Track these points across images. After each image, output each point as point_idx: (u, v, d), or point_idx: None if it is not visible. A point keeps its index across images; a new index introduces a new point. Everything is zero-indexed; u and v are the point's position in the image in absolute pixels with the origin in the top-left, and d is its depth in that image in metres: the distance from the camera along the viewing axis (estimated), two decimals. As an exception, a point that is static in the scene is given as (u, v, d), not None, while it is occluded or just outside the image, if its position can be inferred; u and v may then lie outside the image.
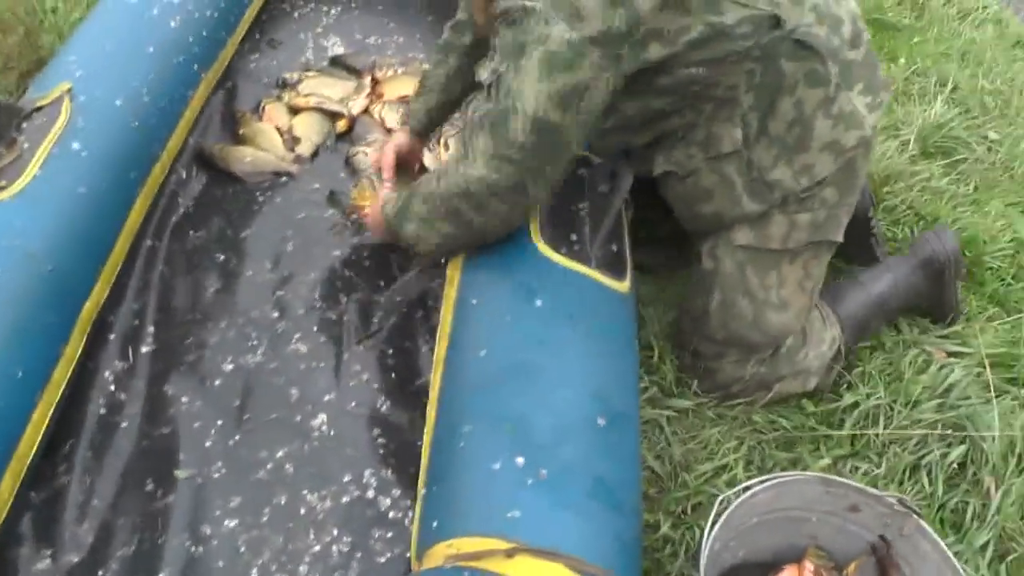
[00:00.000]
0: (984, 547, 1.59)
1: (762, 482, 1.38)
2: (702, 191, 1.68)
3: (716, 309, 1.75)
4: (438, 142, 2.12)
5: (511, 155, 1.44)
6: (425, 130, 1.98)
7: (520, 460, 1.31)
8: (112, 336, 1.76)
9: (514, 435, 1.34)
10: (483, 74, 1.48)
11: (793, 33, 1.52)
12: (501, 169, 1.46)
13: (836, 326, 1.85)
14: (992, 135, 2.73)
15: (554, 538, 1.24)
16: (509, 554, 1.22)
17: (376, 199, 1.82)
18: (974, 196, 2.45)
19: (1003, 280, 2.18)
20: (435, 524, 1.34)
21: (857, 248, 2.00)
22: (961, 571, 1.33)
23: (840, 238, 1.73)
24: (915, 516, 1.38)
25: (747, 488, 1.36)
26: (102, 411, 1.67)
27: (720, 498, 1.34)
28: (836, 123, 1.60)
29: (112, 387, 1.70)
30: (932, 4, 3.34)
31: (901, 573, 1.41)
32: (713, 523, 1.31)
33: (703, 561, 1.26)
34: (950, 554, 1.33)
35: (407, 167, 1.97)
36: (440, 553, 1.29)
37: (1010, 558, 1.59)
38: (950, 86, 2.87)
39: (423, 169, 2.02)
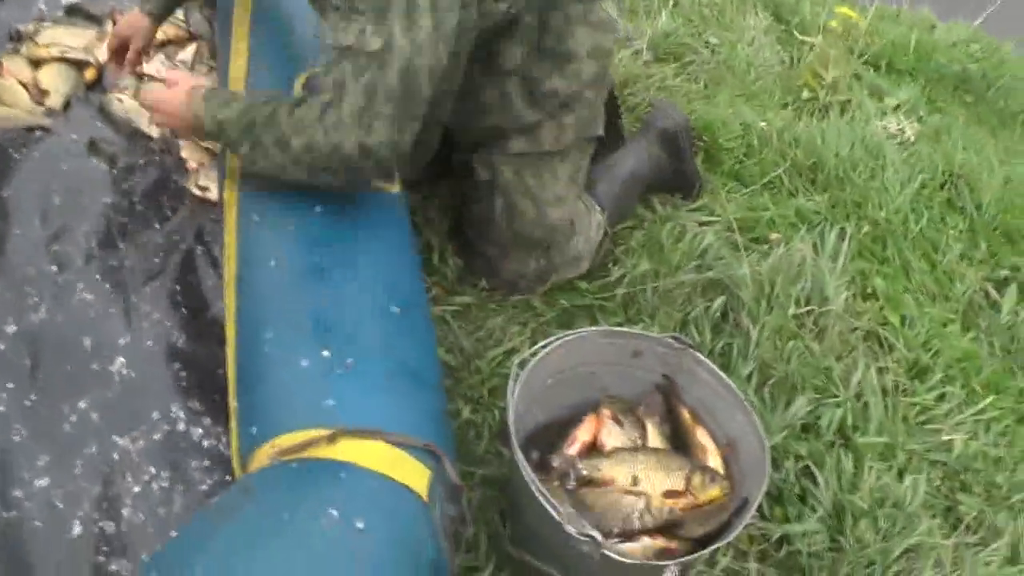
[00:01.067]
0: (749, 377, 1.81)
1: (550, 343, 1.50)
2: (482, 106, 1.78)
3: (500, 214, 1.85)
4: None
5: (384, 111, 1.41)
6: (160, 11, 1.96)
7: (326, 353, 1.37)
8: None
9: (316, 332, 1.40)
10: (339, 36, 1.42)
11: None
12: (375, 128, 1.41)
13: (598, 210, 2.00)
14: (713, 40, 3.00)
15: (370, 419, 1.32)
16: (331, 439, 1.28)
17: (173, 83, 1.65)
18: (705, 92, 2.70)
19: (737, 159, 2.43)
20: (254, 430, 1.38)
21: (607, 129, 2.17)
22: (735, 389, 1.51)
23: (601, 132, 1.88)
24: (691, 350, 1.55)
25: (536, 352, 1.48)
26: None
27: (515, 364, 1.45)
28: (595, 29, 1.73)
29: None
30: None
31: (685, 402, 1.58)
32: (513, 385, 1.42)
33: (511, 418, 1.37)
34: (724, 377, 1.52)
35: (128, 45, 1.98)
36: (264, 454, 1.33)
37: (771, 382, 1.81)
38: (671, 2, 3.11)
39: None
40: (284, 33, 1.89)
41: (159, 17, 1.98)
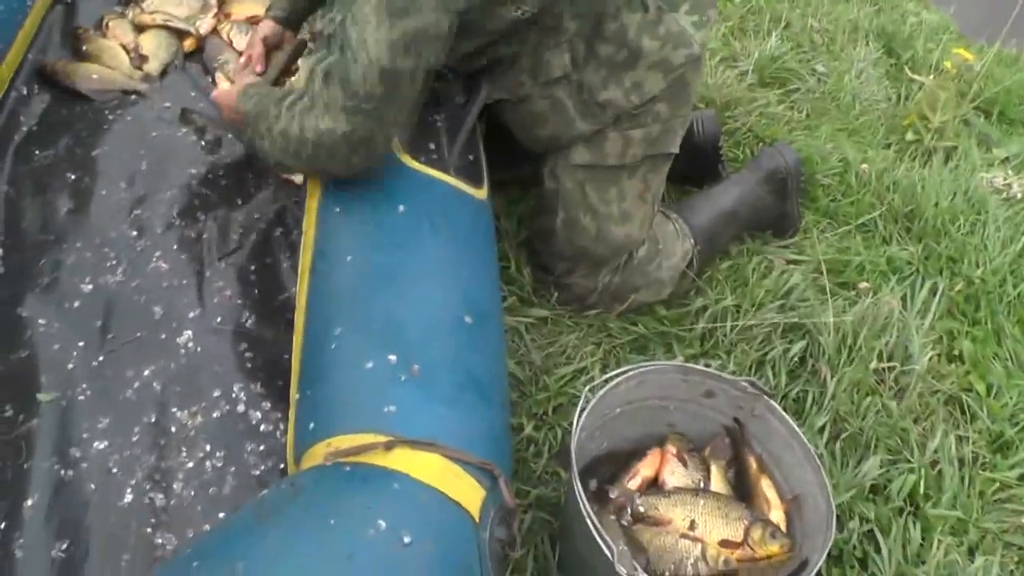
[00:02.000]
0: (822, 429, 1.74)
1: (623, 373, 1.46)
2: (536, 116, 1.74)
3: (561, 227, 1.81)
4: None
5: (360, 105, 1.40)
6: (289, 17, 1.87)
7: (392, 358, 1.34)
8: (-47, 259, 1.69)
9: (385, 334, 1.37)
10: (319, 24, 1.47)
11: None
12: (351, 120, 1.42)
13: (689, 239, 1.95)
14: (820, 68, 2.93)
15: (430, 430, 1.28)
16: (387, 447, 1.26)
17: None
18: (806, 122, 2.63)
19: (832, 197, 2.35)
20: (312, 426, 1.36)
21: (708, 174, 2.12)
22: (806, 441, 1.45)
23: (676, 149, 1.81)
24: (764, 397, 1.49)
25: (609, 379, 1.44)
26: (-55, 339, 1.59)
27: (585, 390, 1.41)
28: (664, 43, 1.67)
29: (-42, 311, 1.63)
30: (761, -54, 3.51)
31: (753, 448, 1.53)
32: (580, 412, 1.38)
33: (574, 445, 1.33)
34: (796, 427, 1.46)
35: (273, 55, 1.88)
36: (319, 453, 1.31)
37: (843, 436, 1.74)
38: (782, 23, 3.04)
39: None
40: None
41: (290, 23, 1.88)
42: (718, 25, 2.94)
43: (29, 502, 1.42)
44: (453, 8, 1.41)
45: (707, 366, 1.82)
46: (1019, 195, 2.58)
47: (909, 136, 2.71)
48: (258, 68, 1.82)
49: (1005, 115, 3.21)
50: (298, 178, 1.88)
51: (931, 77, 2.92)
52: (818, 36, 3.09)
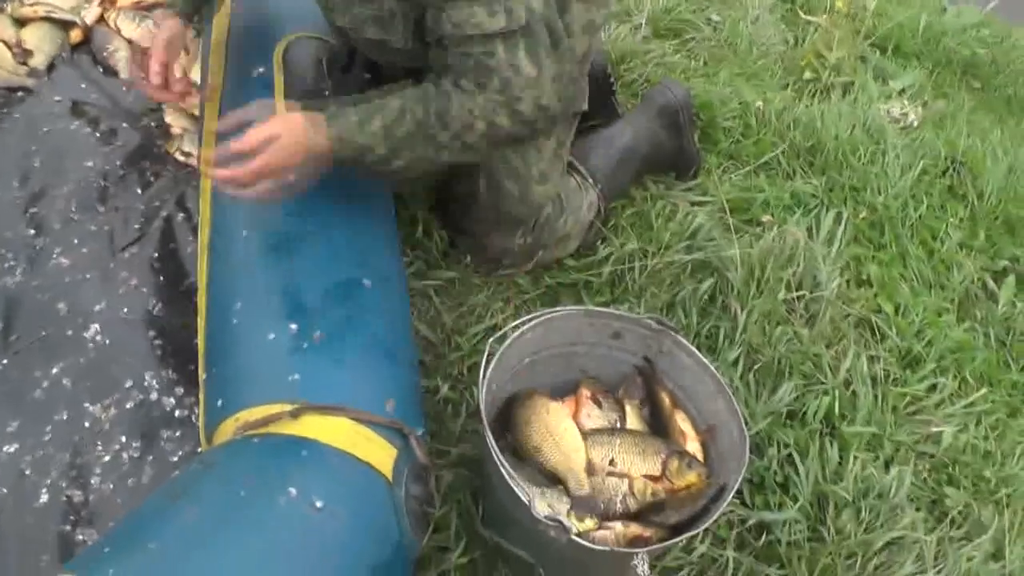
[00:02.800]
0: (736, 362, 1.77)
1: (528, 321, 1.46)
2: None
3: (484, 194, 1.81)
4: None
5: (551, 66, 1.46)
6: (191, 8, 1.75)
7: (293, 327, 1.35)
8: None
9: (284, 304, 1.37)
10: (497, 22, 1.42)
11: None
12: (546, 86, 1.46)
13: (592, 189, 1.96)
14: (715, 17, 2.95)
15: (336, 395, 1.30)
16: (294, 415, 1.26)
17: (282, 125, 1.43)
18: (704, 69, 2.65)
19: (734, 138, 2.37)
20: (220, 403, 1.36)
21: (601, 107, 2.13)
22: (716, 374, 1.47)
23: (586, 106, 1.83)
24: (672, 333, 1.51)
25: (516, 328, 1.45)
26: None
27: (490, 341, 1.42)
28: (588, 5, 1.68)
29: None
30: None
31: (665, 385, 1.55)
32: (487, 364, 1.39)
33: (482, 396, 1.34)
34: (706, 361, 1.48)
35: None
36: (229, 428, 1.31)
37: (757, 367, 1.77)
38: (673, -24, 3.06)
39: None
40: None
41: (192, 16, 1.77)
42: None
43: (-58, 512, 1.39)
44: None
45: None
46: (915, 123, 2.65)
47: (807, 75, 2.76)
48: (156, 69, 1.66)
49: (900, 49, 3.28)
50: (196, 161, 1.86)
51: (825, 17, 2.97)
52: (710, -14, 3.11)
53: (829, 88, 2.71)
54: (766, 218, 2.08)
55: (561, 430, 1.46)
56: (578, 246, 1.94)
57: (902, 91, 2.92)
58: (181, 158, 1.91)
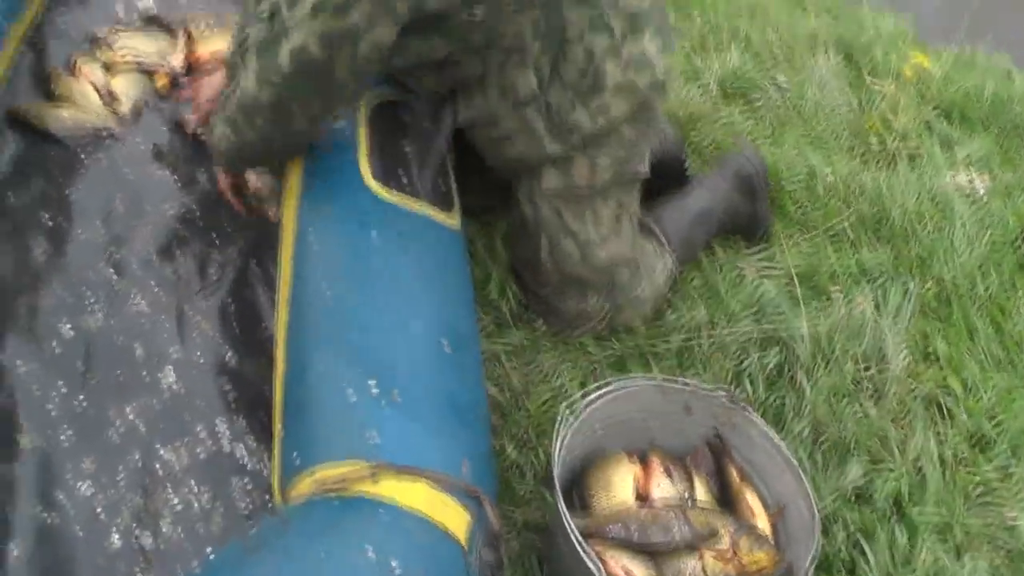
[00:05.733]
0: (803, 436, 1.76)
1: (600, 388, 1.47)
2: (504, 134, 1.76)
3: (546, 254, 1.84)
4: None
5: (273, 79, 1.51)
6: None
7: (372, 385, 1.36)
8: (-72, 307, 1.68)
9: (364, 363, 1.39)
10: (262, 5, 1.53)
11: None
12: (264, 89, 1.53)
13: (668, 254, 1.97)
14: (782, 79, 2.95)
15: (414, 456, 1.30)
16: (373, 475, 1.27)
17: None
18: (771, 133, 2.66)
19: (800, 205, 2.38)
20: (296, 458, 1.37)
21: (675, 169, 2.16)
22: (787, 452, 1.47)
23: (645, 169, 1.84)
24: (742, 408, 1.51)
25: (587, 395, 1.46)
26: (-74, 386, 1.59)
27: (563, 407, 1.43)
28: (627, 67, 1.68)
29: (-65, 360, 1.62)
30: (720, -35, 3.56)
31: (735, 460, 1.55)
32: (559, 430, 1.40)
33: (556, 462, 1.35)
34: (777, 439, 1.48)
35: None
36: (304, 484, 1.32)
37: (824, 442, 1.76)
38: (742, 38, 3.08)
39: None
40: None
41: None
42: (679, 43, 2.97)
43: (15, 552, 1.40)
44: (399, 19, 1.47)
45: (685, 380, 1.85)
46: (982, 192, 2.63)
47: (872, 142, 2.75)
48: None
49: (965, 116, 3.25)
50: (272, 211, 1.89)
51: (891, 84, 2.97)
52: (778, 49, 3.12)
53: (895, 156, 2.70)
54: (834, 290, 2.07)
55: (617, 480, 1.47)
56: (653, 309, 1.95)
57: (969, 160, 2.90)
58: (256, 206, 1.94)
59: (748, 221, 2.17)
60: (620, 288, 1.88)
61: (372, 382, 1.36)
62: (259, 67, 1.54)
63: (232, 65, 1.66)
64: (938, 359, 2.06)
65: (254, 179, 1.94)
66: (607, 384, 1.50)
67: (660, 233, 1.99)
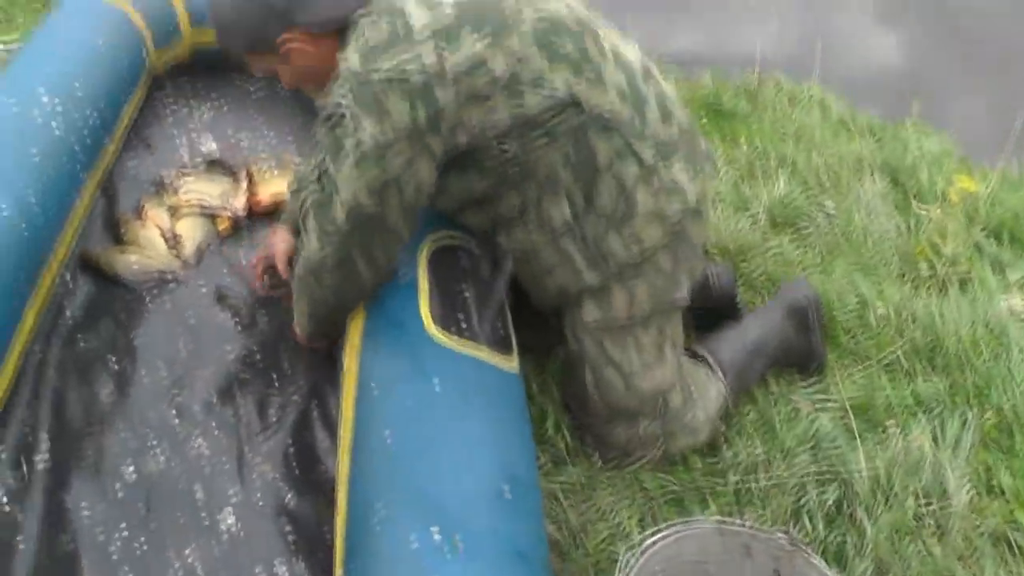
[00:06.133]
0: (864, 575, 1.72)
1: (659, 532, 1.47)
2: (545, 267, 1.79)
3: (592, 386, 1.86)
4: None
5: (332, 235, 1.63)
6: None
7: (435, 533, 1.36)
8: (2, 452, 1.72)
9: (426, 509, 1.39)
10: (310, 167, 1.67)
11: (598, 115, 1.64)
12: (326, 246, 1.64)
13: (720, 381, 1.98)
14: (829, 205, 2.99)
15: (477, 606, 1.30)
16: (435, 625, 1.27)
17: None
18: (820, 261, 2.67)
19: (852, 334, 2.37)
20: (357, 605, 1.38)
21: (727, 300, 2.18)
22: (849, 598, 1.44)
23: (684, 296, 1.85)
24: (803, 551, 1.49)
25: (645, 541, 1.45)
26: (-6, 533, 1.62)
27: (624, 550, 1.42)
28: (658, 194, 1.72)
29: (6, 505, 1.65)
30: (764, 92, 3.66)
31: (797, 607, 1.52)
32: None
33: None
34: (838, 581, 1.45)
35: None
36: (365, 630, 1.33)
37: (886, 582, 1.73)
38: (789, 164, 3.14)
39: None
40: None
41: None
42: (727, 171, 3.03)
43: None
44: (435, 159, 1.59)
45: (742, 517, 1.83)
46: (1038, 317, 2.61)
47: (923, 268, 2.75)
48: (282, 271, 2.01)
49: (1015, 237, 3.25)
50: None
51: (937, 208, 2.98)
52: (824, 174, 3.17)
53: (946, 282, 2.69)
54: (890, 424, 2.05)
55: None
56: (708, 437, 1.95)
57: (1021, 281, 2.89)
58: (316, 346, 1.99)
59: (802, 355, 2.17)
60: (672, 414, 1.88)
61: (434, 528, 1.37)
62: (318, 226, 1.65)
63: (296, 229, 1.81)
64: (1003, 492, 2.01)
65: None
66: (666, 527, 1.49)
67: (715, 364, 2.00)
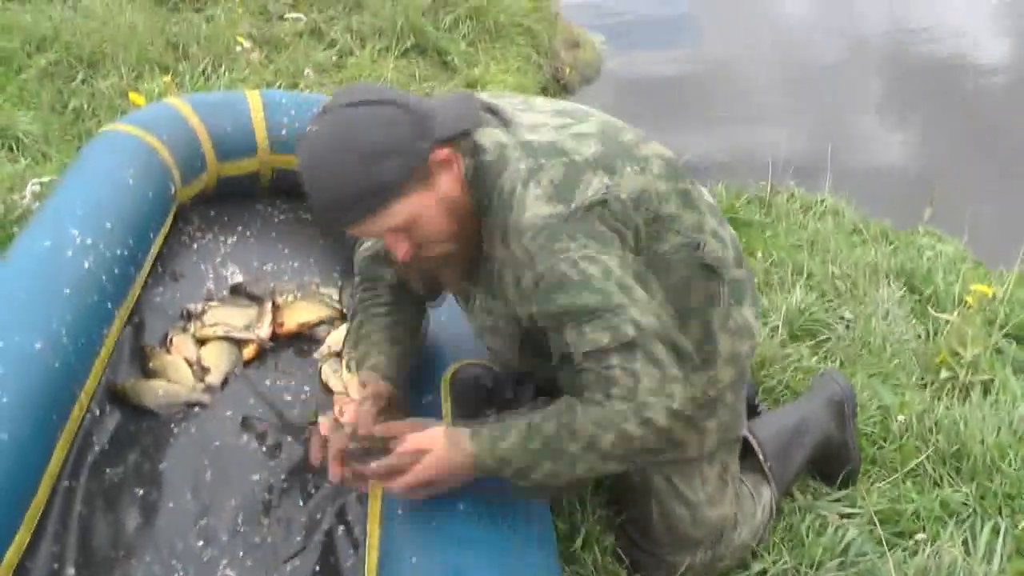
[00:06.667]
0: None
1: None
2: None
3: (658, 519, 1.86)
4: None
5: (662, 431, 1.48)
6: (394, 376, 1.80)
7: (463, 660, 1.36)
8: (31, 583, 1.74)
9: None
10: (602, 339, 1.47)
11: (704, 257, 1.67)
12: (675, 391, 1.48)
13: (765, 493, 1.98)
14: (847, 314, 3.01)
15: None
16: None
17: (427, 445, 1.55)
18: (841, 370, 2.67)
19: (876, 443, 2.37)
20: None
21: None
22: None
23: (744, 431, 1.89)
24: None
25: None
26: (25, 665, 1.62)
27: None
28: (734, 337, 1.75)
29: (34, 637, 1.66)
30: (777, 201, 3.74)
31: None
32: None
33: None
34: None
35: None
36: None
37: None
38: (805, 273, 3.17)
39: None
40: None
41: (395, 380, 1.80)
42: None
43: None
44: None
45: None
46: (1063, 421, 2.58)
47: (943, 374, 2.75)
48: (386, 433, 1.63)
49: (1036, 338, 3.26)
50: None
51: (955, 313, 3.00)
52: (840, 282, 3.20)
53: (968, 387, 2.69)
54: (920, 536, 2.02)
55: None
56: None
57: (1044, 383, 2.87)
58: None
59: (840, 450, 2.17)
60: (723, 540, 1.89)
61: (461, 657, 1.36)
62: (638, 418, 1.47)
63: None
64: (1044, 604, 1.98)
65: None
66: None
67: (757, 446, 1.99)
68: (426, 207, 1.50)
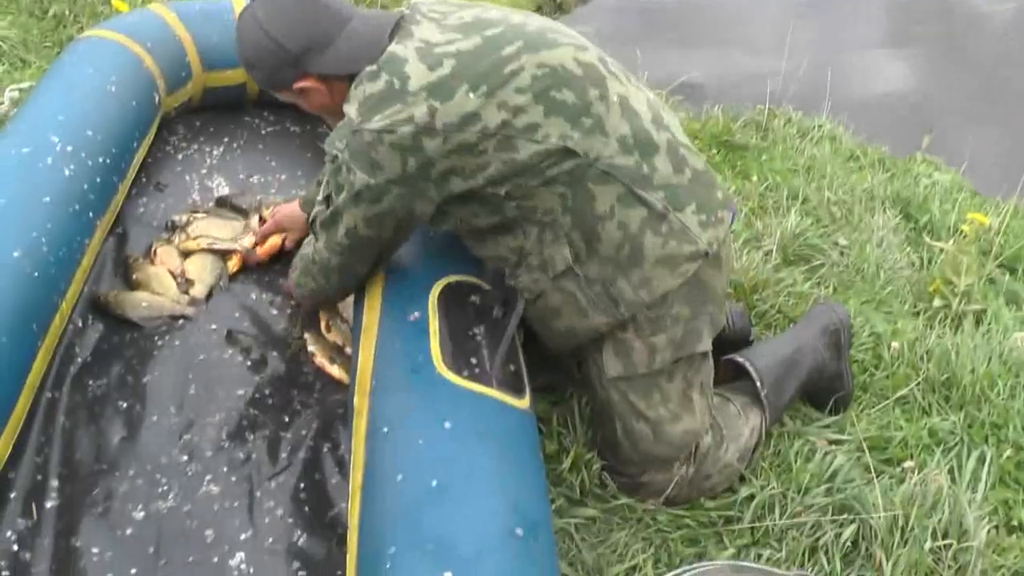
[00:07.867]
0: (883, 616, 1.70)
1: (676, 572, 1.45)
2: (551, 309, 1.79)
3: (622, 436, 1.85)
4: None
5: (336, 248, 1.81)
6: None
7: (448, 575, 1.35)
8: (13, 494, 1.72)
9: (439, 552, 1.38)
10: (322, 189, 1.82)
11: (596, 163, 1.66)
12: (333, 257, 1.84)
13: (755, 415, 1.97)
14: (842, 241, 2.98)
15: (488, 650, 1.29)
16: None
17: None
18: (834, 297, 2.66)
19: (867, 370, 2.35)
20: (369, 649, 1.36)
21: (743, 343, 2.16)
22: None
23: (707, 346, 1.84)
24: (821, 594, 1.47)
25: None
26: (5, 574, 1.61)
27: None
28: (667, 240, 1.71)
29: (15, 547, 1.64)
30: (774, 125, 3.68)
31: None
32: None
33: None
34: (856, 628, 1.43)
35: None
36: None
37: (906, 625, 1.69)
38: (800, 198, 3.13)
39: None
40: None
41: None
42: (739, 206, 3.02)
43: None
44: (430, 198, 1.69)
45: (759, 556, 1.81)
46: (1054, 351, 2.58)
47: (936, 302, 2.73)
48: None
49: (1030, 269, 3.24)
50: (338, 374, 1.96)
51: (951, 242, 2.97)
52: (836, 208, 3.16)
53: (961, 316, 2.67)
54: (907, 464, 2.02)
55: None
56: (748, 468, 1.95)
57: (1035, 316, 2.87)
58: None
59: (833, 379, 2.15)
60: (706, 455, 1.88)
61: (447, 572, 1.35)
62: (324, 240, 1.82)
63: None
64: (1023, 530, 1.99)
65: (319, 352, 2.03)
66: (682, 569, 1.46)
67: (755, 375, 1.98)
68: (300, 99, 1.84)
